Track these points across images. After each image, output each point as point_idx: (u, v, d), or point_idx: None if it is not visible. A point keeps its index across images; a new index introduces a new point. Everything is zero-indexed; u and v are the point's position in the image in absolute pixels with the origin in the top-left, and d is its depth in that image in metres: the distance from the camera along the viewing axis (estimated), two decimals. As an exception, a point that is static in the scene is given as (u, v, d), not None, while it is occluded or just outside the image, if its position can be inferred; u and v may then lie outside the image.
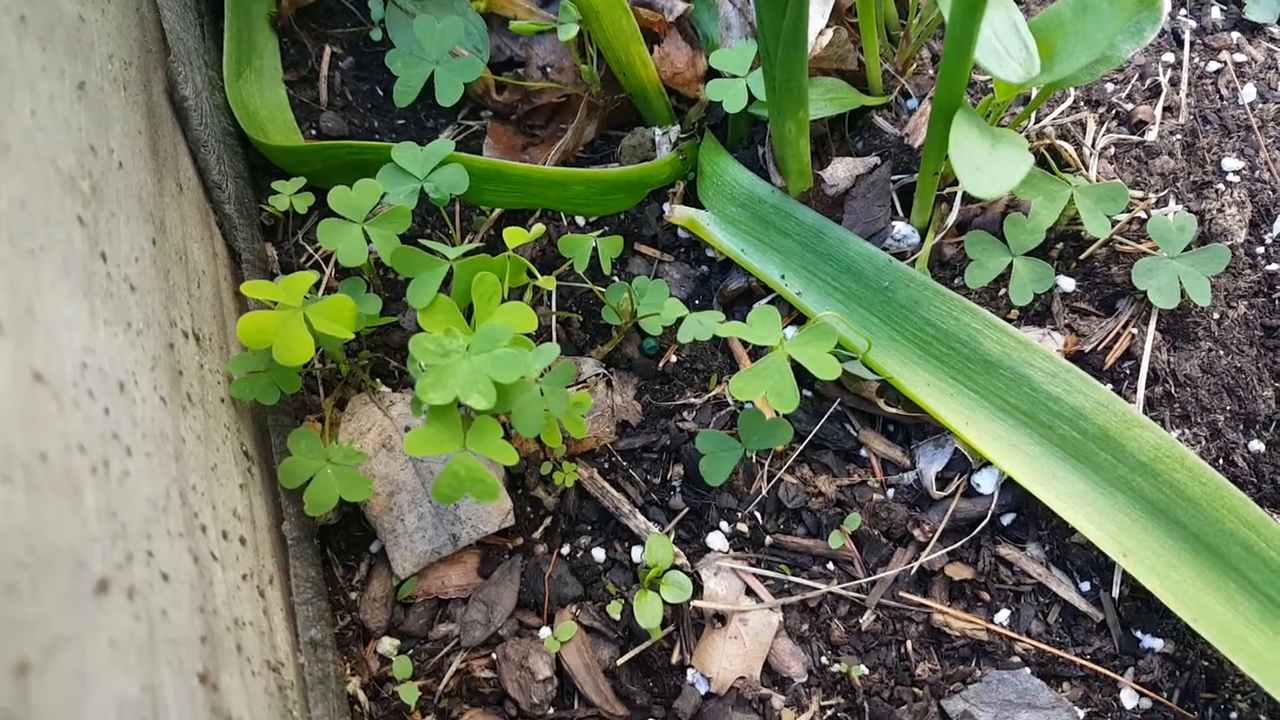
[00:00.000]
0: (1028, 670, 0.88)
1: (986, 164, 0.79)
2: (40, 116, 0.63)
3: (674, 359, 1.01)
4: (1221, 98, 1.11)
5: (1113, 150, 1.06)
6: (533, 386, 0.81)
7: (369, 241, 0.87)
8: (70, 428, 0.56)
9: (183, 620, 0.63)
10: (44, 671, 0.47)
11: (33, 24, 0.65)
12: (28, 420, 0.52)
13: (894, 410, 0.95)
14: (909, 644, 0.90)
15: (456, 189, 0.90)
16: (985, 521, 0.92)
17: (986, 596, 0.91)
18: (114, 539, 0.57)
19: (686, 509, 0.95)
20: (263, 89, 1.05)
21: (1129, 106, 1.09)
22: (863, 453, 0.97)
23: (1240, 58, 1.15)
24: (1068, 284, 1.00)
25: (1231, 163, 1.05)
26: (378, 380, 0.96)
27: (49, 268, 0.59)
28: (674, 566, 0.89)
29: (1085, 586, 0.91)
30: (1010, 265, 0.96)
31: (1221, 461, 0.93)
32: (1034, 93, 0.95)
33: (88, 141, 0.69)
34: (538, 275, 0.90)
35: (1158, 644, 0.89)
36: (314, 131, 1.09)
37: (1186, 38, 1.16)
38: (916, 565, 0.91)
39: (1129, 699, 0.88)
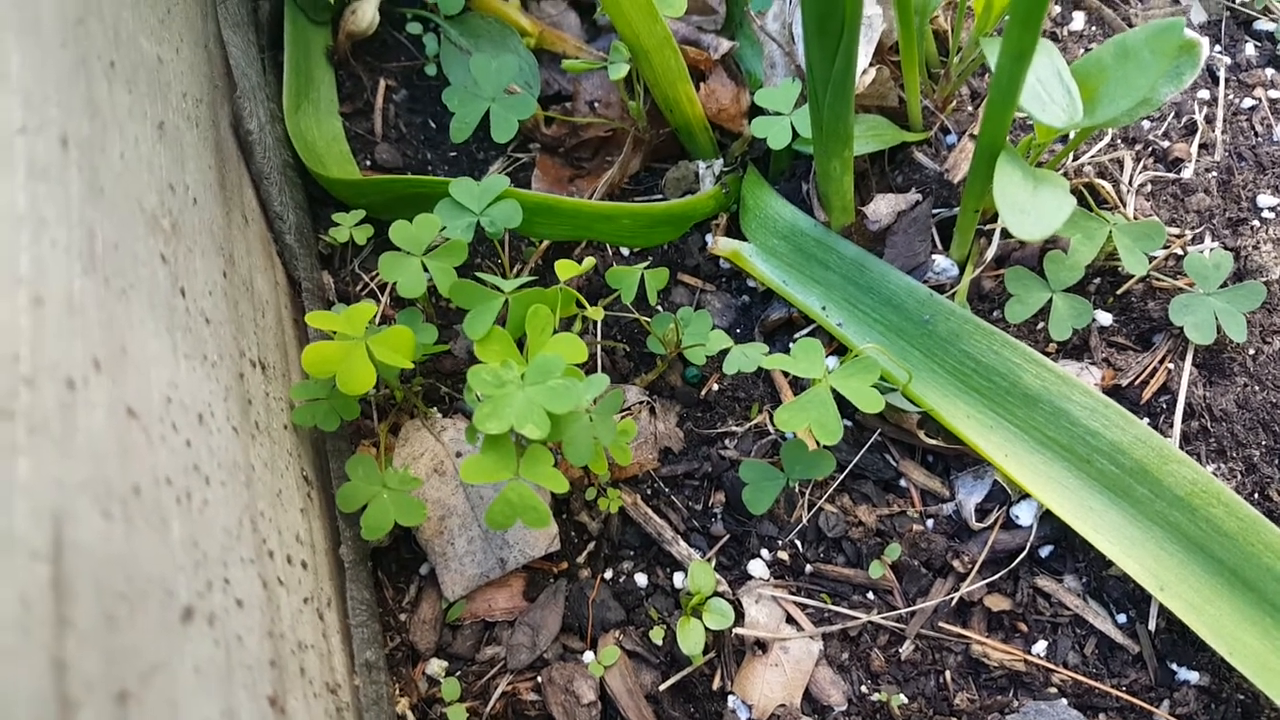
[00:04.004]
0: (1065, 701, 0.89)
1: (1030, 207, 0.81)
2: (128, 159, 0.66)
3: (716, 387, 1.03)
4: (1256, 134, 1.13)
5: (1150, 187, 1.08)
6: (583, 416, 0.83)
7: (426, 272, 0.90)
8: (158, 461, 0.58)
9: (254, 645, 0.65)
10: (142, 699, 0.49)
11: (120, 69, 0.68)
12: (123, 455, 0.54)
13: (934, 442, 0.97)
14: (948, 674, 0.91)
15: (511, 223, 0.93)
16: (1024, 553, 0.93)
17: (1024, 628, 0.93)
18: (196, 567, 0.60)
19: (727, 536, 0.97)
20: (320, 121, 1.08)
21: (1165, 144, 1.11)
22: (903, 483, 0.99)
23: (1275, 94, 1.16)
24: (1105, 318, 1.01)
25: (1267, 199, 1.07)
26: (433, 408, 0.99)
27: (138, 305, 0.61)
28: (716, 593, 0.91)
29: (1122, 619, 0.93)
30: (1050, 301, 0.97)
31: (1257, 496, 0.94)
32: (1073, 133, 0.97)
33: (167, 180, 0.72)
34: (587, 306, 0.92)
35: (1193, 677, 0.90)
36: (369, 163, 1.12)
37: (1221, 74, 1.18)
38: (956, 596, 0.93)
39: (1165, 731, 0.89)
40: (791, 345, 0.92)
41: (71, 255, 0.54)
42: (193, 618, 0.57)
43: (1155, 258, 1.02)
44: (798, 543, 0.96)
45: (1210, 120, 1.14)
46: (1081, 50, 1.19)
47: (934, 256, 1.02)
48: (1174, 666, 0.91)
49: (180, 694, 0.53)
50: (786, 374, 1.03)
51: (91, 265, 0.56)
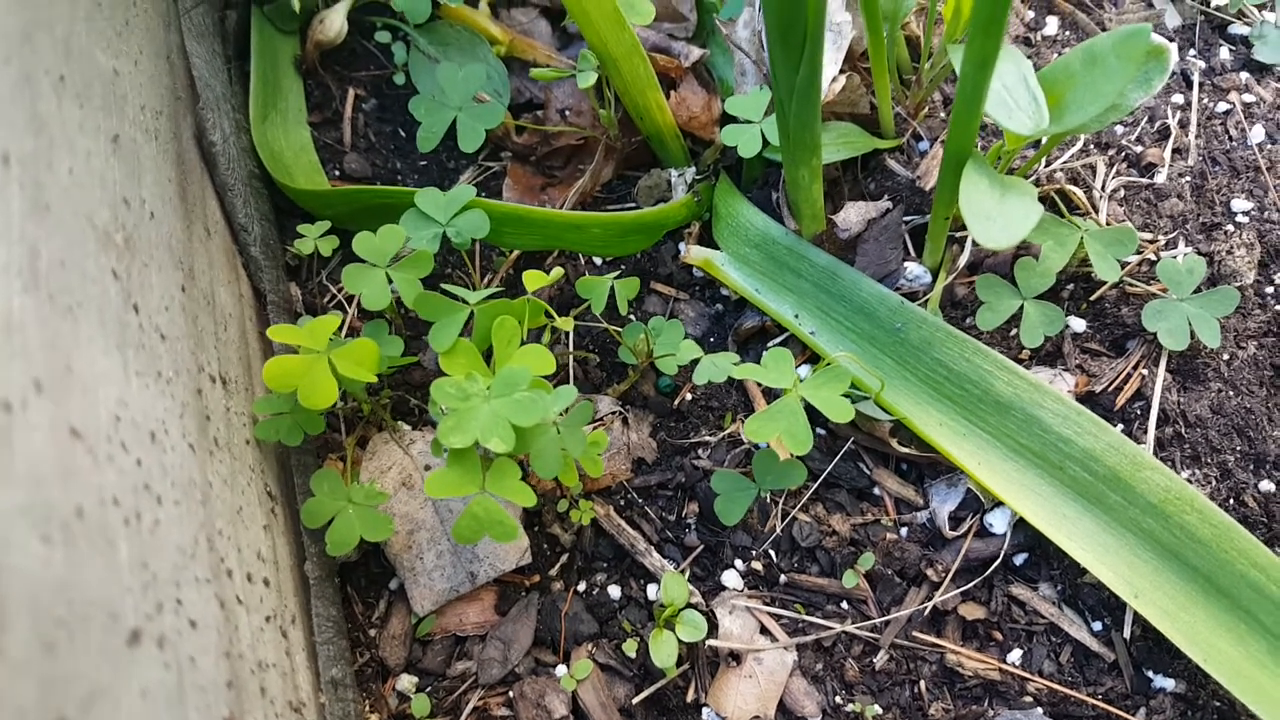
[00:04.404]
0: (1040, 710, 0.89)
1: (996, 214, 0.80)
2: (77, 174, 0.65)
3: (689, 397, 1.02)
4: (1230, 139, 1.13)
5: (1122, 193, 1.08)
6: (551, 429, 0.82)
7: (392, 284, 0.89)
8: (105, 481, 0.57)
9: (209, 666, 0.64)
10: (82, 725, 0.48)
11: (71, 83, 0.67)
12: (66, 477, 0.53)
13: (907, 450, 0.96)
14: (922, 684, 0.91)
15: (478, 233, 0.92)
16: (998, 561, 0.93)
17: (999, 636, 0.92)
18: (145, 589, 0.59)
19: (701, 547, 0.96)
20: (287, 131, 1.07)
21: (1138, 149, 1.11)
22: (876, 491, 0.98)
23: (1249, 98, 1.16)
24: (1078, 325, 1.01)
25: (1240, 204, 1.06)
26: (399, 421, 0.98)
27: (85, 323, 0.60)
28: (689, 605, 0.91)
29: (1097, 626, 0.92)
30: (1021, 308, 0.97)
31: (1232, 502, 0.93)
32: (1044, 139, 0.96)
33: (121, 195, 0.71)
34: (556, 317, 0.92)
35: (1169, 684, 0.90)
36: (338, 172, 1.11)
37: (1195, 79, 1.17)
38: (930, 605, 0.92)
39: (1141, 740, 0.88)
40: (764, 354, 0.91)
41: (10, 274, 0.53)
42: (140, 641, 0.56)
43: (1128, 263, 1.02)
44: (771, 553, 0.95)
45: (1184, 125, 1.13)
46: (1055, 55, 1.18)
47: (906, 264, 1.01)
48: (1150, 674, 0.90)
49: (125, 718, 0.52)
50: (759, 383, 1.03)
51: (34, 284, 0.55)
